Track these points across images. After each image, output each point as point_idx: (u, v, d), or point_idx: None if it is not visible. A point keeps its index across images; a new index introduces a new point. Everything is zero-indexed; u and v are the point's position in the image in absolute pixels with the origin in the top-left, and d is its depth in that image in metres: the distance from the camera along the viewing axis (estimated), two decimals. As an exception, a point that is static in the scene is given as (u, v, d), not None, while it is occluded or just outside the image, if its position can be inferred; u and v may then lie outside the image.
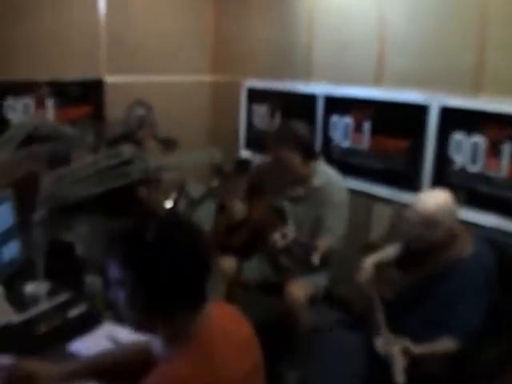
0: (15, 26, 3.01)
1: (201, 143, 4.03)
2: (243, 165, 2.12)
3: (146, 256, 0.86)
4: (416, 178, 2.45)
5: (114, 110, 3.35)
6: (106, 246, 0.90)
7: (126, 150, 1.60)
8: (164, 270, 0.85)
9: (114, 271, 0.89)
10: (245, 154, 3.82)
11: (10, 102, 3.05)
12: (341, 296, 2.56)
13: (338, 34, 2.92)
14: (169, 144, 2.97)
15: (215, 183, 1.99)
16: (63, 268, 1.62)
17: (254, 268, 2.32)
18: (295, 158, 2.20)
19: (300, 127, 2.26)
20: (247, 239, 2.31)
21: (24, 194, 1.61)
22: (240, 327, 0.99)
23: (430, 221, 1.57)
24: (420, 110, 2.39)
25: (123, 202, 2.18)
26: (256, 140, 3.67)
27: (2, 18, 2.96)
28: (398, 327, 1.62)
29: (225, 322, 0.95)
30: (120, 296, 0.90)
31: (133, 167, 1.57)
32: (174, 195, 2.60)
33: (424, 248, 1.61)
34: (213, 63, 4.03)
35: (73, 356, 1.30)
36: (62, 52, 3.21)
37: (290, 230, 2.00)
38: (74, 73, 3.28)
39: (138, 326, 0.93)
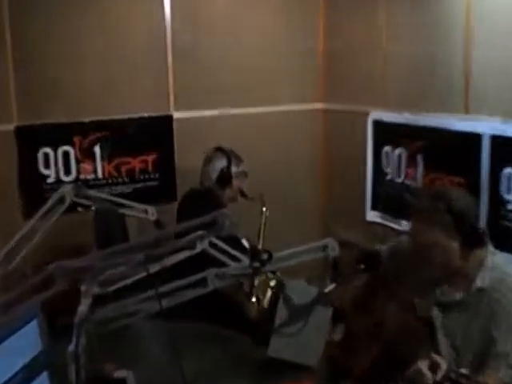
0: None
1: (307, 202, 4.22)
2: (370, 260, 2.07)
3: None
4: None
5: (186, 158, 3.68)
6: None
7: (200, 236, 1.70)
8: None
9: None
10: (373, 216, 3.80)
11: (46, 150, 3.44)
12: None
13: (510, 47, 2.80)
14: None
15: (329, 285, 1.97)
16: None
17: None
18: (450, 245, 2.10)
19: (459, 196, 2.16)
20: (374, 363, 2.24)
21: (58, 310, 1.72)
22: None
23: None
24: None
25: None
26: (388, 198, 3.64)
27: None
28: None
29: None
30: None
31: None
32: (267, 300, 2.64)
33: None
34: (322, 87, 4.15)
35: None
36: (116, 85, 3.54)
37: (444, 359, 1.90)
38: (131, 110, 3.61)
39: None
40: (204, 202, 2.96)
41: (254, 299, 2.94)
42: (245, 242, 2.02)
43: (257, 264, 1.79)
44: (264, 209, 3.30)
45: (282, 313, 1.99)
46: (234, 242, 1.87)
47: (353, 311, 2.37)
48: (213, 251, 1.81)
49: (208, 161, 3.16)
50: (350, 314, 2.36)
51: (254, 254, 1.81)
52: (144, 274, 1.71)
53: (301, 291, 2.01)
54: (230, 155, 3.12)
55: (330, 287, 1.98)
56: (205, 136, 3.74)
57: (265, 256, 1.81)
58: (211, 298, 1.93)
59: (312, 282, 3.43)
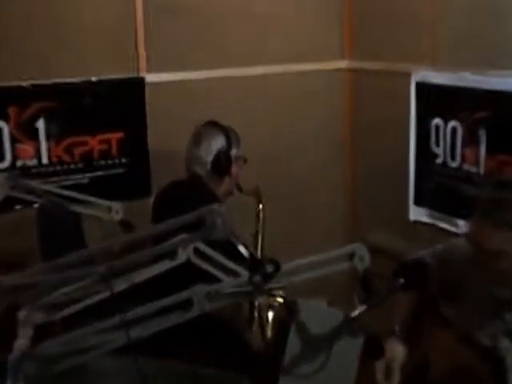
0: None
1: (327, 195, 4.28)
2: (413, 273, 2.06)
3: None
4: None
5: (165, 137, 3.70)
6: None
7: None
8: None
9: None
10: (417, 214, 3.80)
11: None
12: None
13: None
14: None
15: (358, 308, 1.97)
16: None
17: None
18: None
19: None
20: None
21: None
22: None
23: None
24: None
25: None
26: (439, 190, 3.67)
27: None
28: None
29: None
30: None
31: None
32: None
33: None
34: (348, 39, 4.18)
35: None
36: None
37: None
38: (88, 71, 3.59)
39: None
40: (194, 196, 2.94)
41: (255, 327, 2.95)
42: (243, 250, 2.00)
43: (259, 279, 1.78)
44: (260, 206, 3.31)
45: (293, 345, 1.97)
46: (229, 250, 1.86)
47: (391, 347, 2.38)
48: (200, 262, 1.80)
49: (198, 140, 3.13)
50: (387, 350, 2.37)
51: (254, 265, 1.80)
52: (106, 293, 1.70)
53: (319, 316, 2.00)
54: (228, 132, 3.11)
55: (360, 310, 1.98)
56: (190, 107, 3.74)
57: (269, 268, 1.79)
58: (198, 325, 1.92)
59: (335, 303, 3.42)
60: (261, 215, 3.31)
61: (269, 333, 3.01)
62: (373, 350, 2.31)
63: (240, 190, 3.26)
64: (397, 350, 2.37)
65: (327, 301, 3.74)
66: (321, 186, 4.29)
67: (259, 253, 3.24)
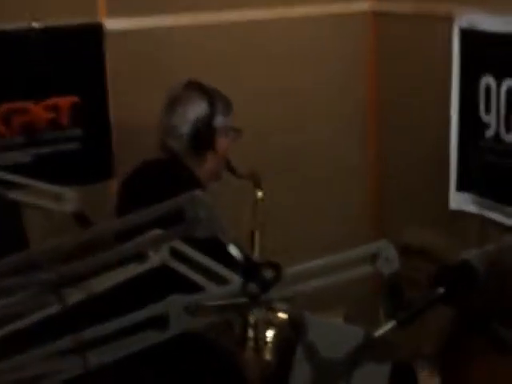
0: None
1: (345, 178, 4.32)
2: (456, 279, 2.08)
3: None
4: None
5: (131, 103, 3.69)
6: None
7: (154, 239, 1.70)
8: None
9: None
10: (461, 201, 3.82)
11: None
12: None
13: None
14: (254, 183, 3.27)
15: (385, 325, 1.99)
16: None
17: None
18: None
19: None
20: None
21: None
22: None
23: None
24: None
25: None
26: (489, 170, 3.69)
27: None
28: None
29: None
30: None
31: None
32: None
33: None
34: None
35: None
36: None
37: None
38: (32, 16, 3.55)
39: None
40: (166, 180, 2.96)
41: (249, 349, 2.97)
42: (234, 251, 2.00)
43: (254, 288, 1.79)
44: (259, 194, 3.33)
45: (299, 373, 2.00)
46: (215, 250, 1.87)
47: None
48: (178, 265, 1.81)
49: (173, 107, 3.14)
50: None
51: (249, 269, 1.81)
52: (56, 307, 1.71)
53: (333, 335, 2.02)
54: (212, 96, 3.13)
55: (386, 328, 1.99)
56: (163, 63, 3.76)
57: (268, 274, 1.80)
58: (177, 348, 1.94)
59: (353, 318, 3.41)
60: (259, 206, 3.34)
61: (267, 357, 3.02)
62: (403, 380, 2.31)
63: (232, 171, 3.27)
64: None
65: (344, 315, 3.79)
66: (337, 169, 4.32)
67: (257, 255, 3.26)
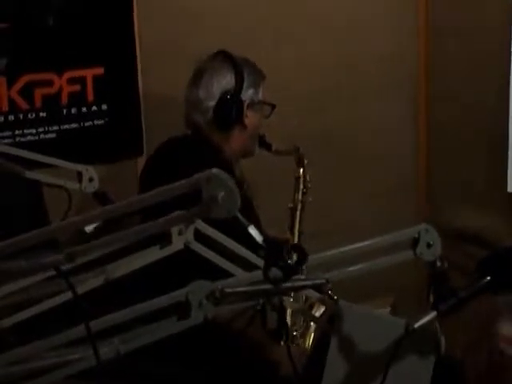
0: None
1: (392, 155, 4.35)
2: (505, 268, 2.05)
3: None
4: None
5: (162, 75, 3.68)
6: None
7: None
8: None
9: None
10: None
11: None
12: None
13: None
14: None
15: (426, 315, 1.97)
16: None
17: None
18: None
19: None
20: None
21: None
22: None
23: None
24: None
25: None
26: None
27: None
28: None
29: None
30: None
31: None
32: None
33: None
34: None
35: None
36: None
37: None
38: None
39: None
40: (189, 157, 2.96)
41: (283, 340, 2.97)
42: (253, 232, 1.98)
43: (277, 273, 1.77)
44: (301, 171, 3.32)
45: (335, 364, 1.99)
46: (235, 232, 1.87)
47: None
48: (202, 249, 1.80)
49: (198, 79, 3.14)
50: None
51: (271, 253, 1.79)
52: (67, 294, 1.70)
53: (370, 326, 2.02)
54: (241, 67, 3.13)
55: (426, 319, 1.97)
56: (199, 32, 3.73)
57: (291, 258, 1.78)
58: (200, 338, 1.93)
59: (402, 309, 3.41)
60: (300, 185, 3.33)
61: (305, 347, 3.03)
62: (449, 376, 2.30)
63: (268, 148, 3.26)
64: None
65: (391, 305, 3.77)
66: (384, 147, 4.32)
67: (296, 238, 3.26)
